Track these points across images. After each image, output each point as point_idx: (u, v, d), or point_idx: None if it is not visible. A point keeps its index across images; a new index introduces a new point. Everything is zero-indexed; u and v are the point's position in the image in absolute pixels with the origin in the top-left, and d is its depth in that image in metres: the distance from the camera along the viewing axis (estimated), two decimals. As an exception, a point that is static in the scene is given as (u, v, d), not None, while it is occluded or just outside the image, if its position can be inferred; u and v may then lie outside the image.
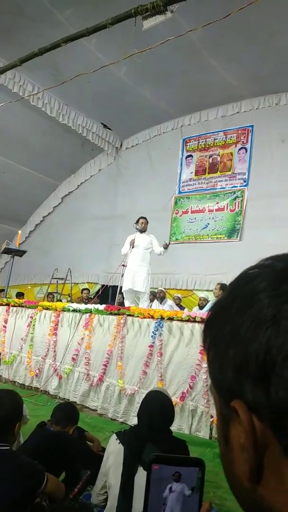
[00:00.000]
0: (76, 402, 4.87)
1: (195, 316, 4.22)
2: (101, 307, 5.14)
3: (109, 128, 10.79)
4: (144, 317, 4.64)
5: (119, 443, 1.96)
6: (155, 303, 7.46)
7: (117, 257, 6.60)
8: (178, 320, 4.35)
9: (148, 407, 2.03)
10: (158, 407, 2.02)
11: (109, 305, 5.26)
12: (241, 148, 9.42)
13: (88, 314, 5.19)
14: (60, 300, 9.59)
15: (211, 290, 7.97)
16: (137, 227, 6.11)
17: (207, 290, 8.68)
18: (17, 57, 6.41)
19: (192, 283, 9.21)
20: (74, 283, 10.58)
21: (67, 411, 2.31)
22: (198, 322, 4.19)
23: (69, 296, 9.42)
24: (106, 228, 10.91)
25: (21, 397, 1.96)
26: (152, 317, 4.56)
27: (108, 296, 8.91)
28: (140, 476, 1.84)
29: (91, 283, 10.79)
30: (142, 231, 6.14)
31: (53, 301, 8.65)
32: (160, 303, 7.34)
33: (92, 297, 9.39)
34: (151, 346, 4.42)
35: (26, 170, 11.09)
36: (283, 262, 0.39)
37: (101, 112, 10.23)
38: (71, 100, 9.72)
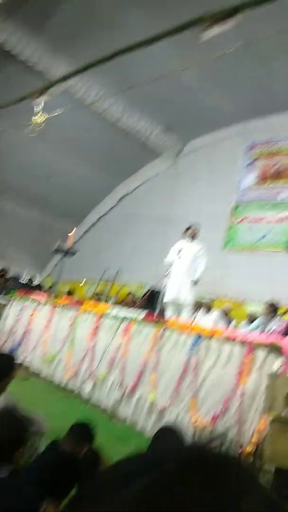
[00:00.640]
0: (106, 410, 4.84)
1: (235, 337, 3.98)
2: (141, 316, 5.05)
3: (172, 129, 10.64)
4: (182, 332, 4.47)
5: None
6: (201, 312, 7.22)
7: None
8: (216, 338, 4.13)
9: (160, 443, 1.87)
10: (169, 444, 1.86)
11: (148, 314, 5.16)
12: (309, 156, 8.87)
13: (127, 321, 5.12)
14: (106, 301, 9.69)
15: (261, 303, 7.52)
16: (186, 235, 5.93)
17: (258, 302, 8.26)
18: (84, 62, 6.53)
19: (243, 294, 8.82)
20: (123, 284, 10.65)
21: (82, 431, 2.24)
22: (238, 343, 3.95)
23: (115, 298, 9.48)
24: (159, 232, 10.84)
25: (26, 418, 1.91)
26: (190, 332, 4.38)
27: (153, 301, 8.81)
28: None
29: (139, 285, 10.77)
30: (191, 239, 5.95)
31: (98, 301, 8.75)
32: (206, 313, 7.08)
33: (137, 301, 9.36)
34: (186, 362, 4.25)
35: (86, 170, 11.38)
36: None
37: (162, 116, 10.19)
38: (134, 104, 9.75)
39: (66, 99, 8.57)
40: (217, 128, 10.38)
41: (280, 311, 6.15)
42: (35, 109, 5.51)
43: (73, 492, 2.12)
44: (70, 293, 10.81)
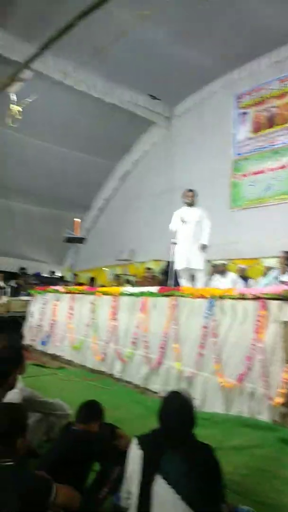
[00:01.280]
0: (139, 385, 4.94)
1: (246, 294, 3.94)
2: (155, 289, 5.06)
3: (157, 99, 10.38)
4: (196, 297, 4.46)
5: (139, 448, 1.88)
6: (217, 277, 7.16)
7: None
8: (230, 298, 4.10)
9: (164, 410, 1.91)
10: (175, 410, 1.88)
11: (163, 287, 5.16)
12: (301, 94, 8.43)
13: (143, 297, 5.15)
14: (128, 281, 9.76)
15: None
16: (185, 200, 5.82)
17: (274, 257, 8.10)
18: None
19: (258, 251, 8.66)
20: (140, 262, 10.67)
21: (88, 408, 2.30)
22: (251, 299, 3.91)
23: (135, 276, 9.52)
24: (165, 203, 10.67)
25: (25, 409, 1.97)
26: (204, 296, 4.36)
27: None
28: (159, 486, 1.75)
29: (157, 260, 10.75)
30: (190, 204, 5.84)
31: (120, 282, 8.82)
32: (222, 277, 7.01)
33: (157, 275, 9.38)
34: (205, 327, 4.25)
35: (81, 156, 11.27)
36: None
37: (146, 83, 9.89)
38: (115, 77, 9.50)
39: (44, 83, 8.40)
40: (202, 85, 10.01)
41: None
42: (11, 98, 5.43)
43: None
44: (92, 280, 10.95)
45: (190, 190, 5.90)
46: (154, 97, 10.40)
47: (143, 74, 9.36)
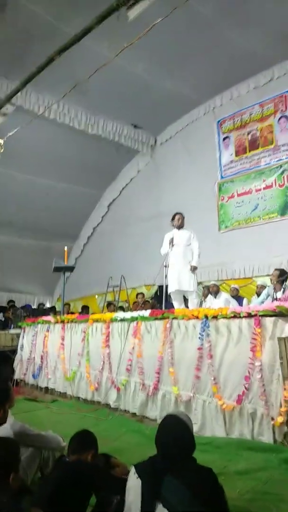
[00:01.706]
0: (135, 413, 4.80)
1: (240, 312, 3.90)
2: (146, 313, 5.00)
3: (139, 127, 10.65)
4: (189, 318, 4.41)
5: (137, 477, 1.79)
6: (209, 298, 7.14)
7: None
8: (223, 317, 4.06)
9: (161, 435, 1.83)
10: (172, 434, 1.81)
11: (153, 310, 5.11)
12: (281, 117, 8.72)
13: (135, 322, 5.08)
14: (121, 308, 9.65)
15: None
16: (173, 224, 5.88)
17: (267, 275, 8.13)
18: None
19: (250, 270, 8.71)
20: (132, 288, 10.59)
21: (81, 438, 2.20)
22: (245, 317, 3.87)
23: (127, 302, 9.42)
24: (154, 228, 10.73)
25: (17, 443, 1.88)
26: (197, 317, 4.32)
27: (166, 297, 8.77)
28: (160, 513, 1.65)
29: (148, 285, 10.71)
30: (180, 227, 5.89)
31: (114, 309, 8.70)
32: (215, 298, 7.00)
33: (149, 300, 9.31)
34: (200, 348, 4.19)
35: (68, 186, 11.36)
36: None
37: (129, 113, 10.14)
38: (97, 108, 9.74)
39: (26, 116, 8.52)
40: (184, 112, 10.29)
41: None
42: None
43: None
44: (84, 308, 10.81)
45: (178, 213, 5.97)
46: (137, 126, 10.65)
47: (125, 104, 9.62)
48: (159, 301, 8.24)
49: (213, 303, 6.77)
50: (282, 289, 5.83)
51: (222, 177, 9.68)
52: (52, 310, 11.04)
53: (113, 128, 10.19)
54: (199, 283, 7.27)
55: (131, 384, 4.96)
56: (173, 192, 10.40)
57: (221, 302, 6.69)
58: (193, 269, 5.64)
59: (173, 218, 5.93)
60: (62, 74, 7.65)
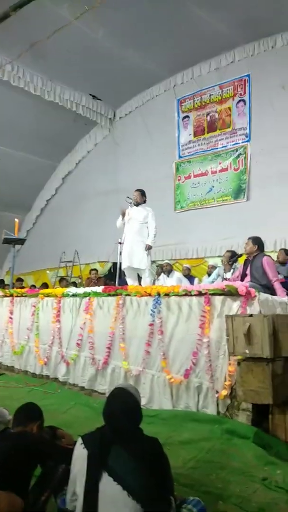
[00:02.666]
0: (84, 387, 4.84)
1: (191, 290, 4.00)
2: (99, 289, 4.99)
3: (98, 99, 10.34)
4: (142, 296, 4.45)
5: (83, 447, 1.80)
6: (162, 276, 7.26)
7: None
8: (175, 295, 4.14)
9: (110, 407, 1.85)
10: (120, 406, 1.84)
11: (106, 286, 5.10)
12: (239, 100, 8.84)
13: (87, 297, 5.05)
14: (74, 283, 9.55)
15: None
16: (129, 201, 5.83)
17: (219, 256, 8.38)
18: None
19: (203, 251, 8.93)
20: (85, 263, 10.51)
21: (26, 410, 2.18)
22: (195, 295, 3.97)
23: (80, 278, 9.34)
24: (111, 204, 10.61)
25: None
26: (149, 294, 4.36)
27: (120, 274, 8.78)
28: (106, 483, 1.68)
29: (102, 262, 10.66)
30: (137, 204, 5.85)
31: (66, 285, 8.59)
32: (168, 276, 7.12)
33: (103, 276, 9.30)
34: (151, 324, 4.25)
35: (22, 155, 10.88)
36: None
37: (88, 83, 9.79)
38: (55, 75, 9.31)
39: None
40: (146, 87, 10.11)
41: (242, 259, 6.17)
42: None
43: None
44: (44, 285, 10.57)
45: (137, 190, 5.92)
46: (95, 97, 10.32)
47: (84, 73, 9.26)
48: (113, 279, 8.26)
49: (166, 282, 6.88)
50: (231, 270, 6.04)
51: (180, 157, 9.71)
52: (1, 283, 10.70)
53: (71, 97, 9.82)
54: (153, 262, 7.36)
55: (81, 359, 4.97)
56: (131, 169, 10.30)
57: (174, 280, 6.82)
58: (147, 248, 5.65)
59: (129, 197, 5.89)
60: (18, 34, 7.20)
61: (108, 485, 1.67)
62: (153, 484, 1.70)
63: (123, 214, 5.67)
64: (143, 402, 3.91)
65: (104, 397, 4.43)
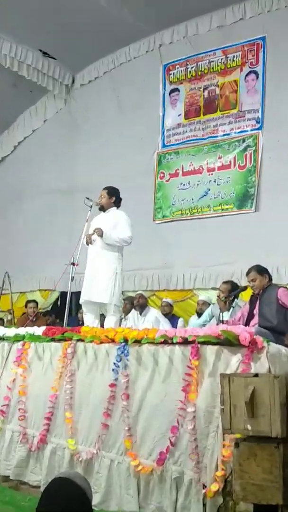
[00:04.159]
0: (9, 477, 4.80)
1: (173, 336, 4.04)
2: (38, 330, 5.04)
3: (52, 57, 10.48)
4: (101, 342, 4.50)
5: None
6: (132, 315, 7.30)
7: (83, 248, 6.24)
8: (149, 343, 4.18)
9: (46, 507, 1.83)
10: (60, 506, 1.82)
11: (49, 327, 5.14)
12: (250, 72, 9.18)
13: (20, 342, 5.07)
14: (1, 320, 9.43)
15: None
16: (90, 203, 5.90)
17: (213, 289, 8.50)
18: None
19: (191, 280, 9.03)
20: (20, 292, 10.43)
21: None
22: (179, 344, 4.01)
23: (10, 313, 9.24)
24: (63, 207, 10.71)
25: None
26: (113, 340, 4.41)
27: (70, 309, 8.72)
28: None
29: (45, 290, 10.59)
30: (102, 208, 5.94)
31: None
32: (140, 315, 7.17)
33: (45, 312, 9.23)
34: (112, 385, 4.29)
35: None
36: None
37: (38, 35, 9.94)
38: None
39: None
40: (121, 45, 10.30)
41: (246, 294, 6.24)
42: None
43: None
44: None
45: (104, 188, 6.06)
46: (47, 55, 10.46)
47: (33, 20, 9.37)
48: (59, 316, 8.20)
49: (138, 322, 6.91)
50: (230, 309, 6.13)
51: (164, 146, 9.91)
52: None
53: (11, 51, 9.91)
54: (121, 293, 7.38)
55: (5, 434, 4.99)
56: (94, 158, 10.43)
57: (148, 321, 6.87)
58: (100, 232, 5.63)
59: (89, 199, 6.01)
60: None
61: None
62: None
63: (88, 241, 5.75)
64: (95, 500, 3.89)
65: (38, 492, 4.38)
